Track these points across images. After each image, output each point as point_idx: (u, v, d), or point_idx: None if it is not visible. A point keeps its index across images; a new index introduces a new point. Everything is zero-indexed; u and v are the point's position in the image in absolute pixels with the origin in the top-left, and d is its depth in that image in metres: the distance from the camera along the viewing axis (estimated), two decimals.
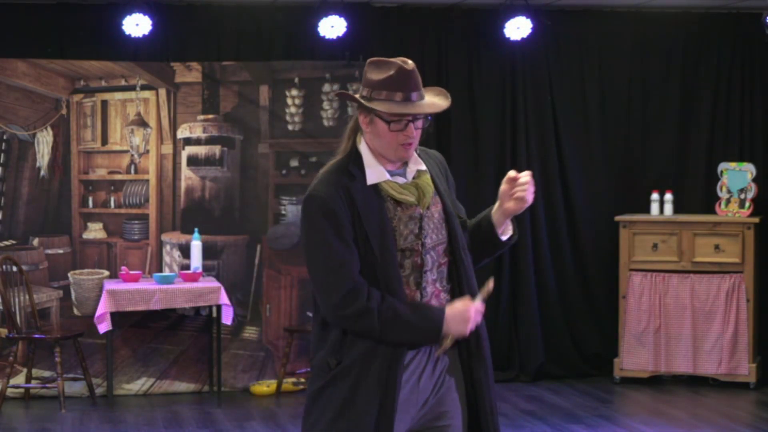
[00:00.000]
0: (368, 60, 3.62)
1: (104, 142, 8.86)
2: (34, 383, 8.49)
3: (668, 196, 9.09)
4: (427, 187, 3.63)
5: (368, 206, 3.53)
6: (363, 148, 3.61)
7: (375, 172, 3.58)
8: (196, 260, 8.61)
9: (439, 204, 3.67)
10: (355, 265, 3.51)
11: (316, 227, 3.52)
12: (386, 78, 3.54)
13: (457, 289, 3.68)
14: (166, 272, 8.74)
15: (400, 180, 3.61)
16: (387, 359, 3.51)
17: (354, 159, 3.60)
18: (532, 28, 8.89)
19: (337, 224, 3.49)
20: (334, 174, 3.57)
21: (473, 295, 3.65)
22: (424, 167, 3.67)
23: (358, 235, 3.51)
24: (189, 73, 8.91)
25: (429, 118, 3.62)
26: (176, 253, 8.89)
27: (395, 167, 3.62)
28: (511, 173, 3.66)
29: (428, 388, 3.62)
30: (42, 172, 8.72)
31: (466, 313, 3.55)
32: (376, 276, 3.53)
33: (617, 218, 9.04)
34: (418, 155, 3.69)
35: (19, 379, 8.49)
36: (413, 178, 3.63)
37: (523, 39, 8.96)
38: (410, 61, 3.59)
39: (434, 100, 3.62)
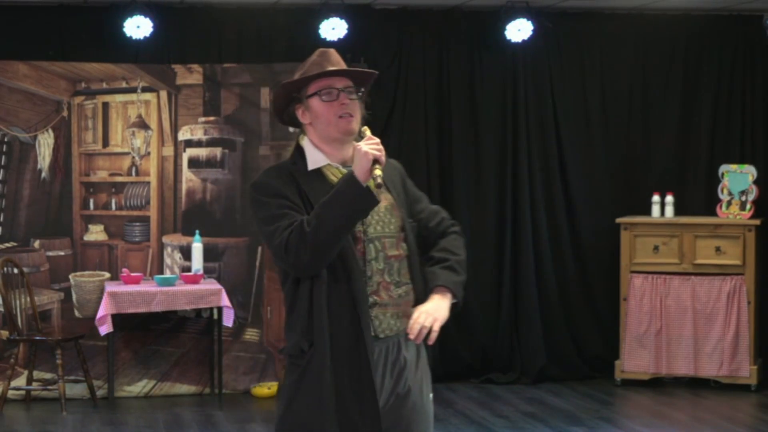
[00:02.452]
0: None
1: (105, 144, 8.87)
2: (35, 385, 8.49)
3: (669, 198, 9.09)
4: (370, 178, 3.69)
5: (313, 188, 3.62)
6: (305, 142, 3.71)
7: (316, 159, 3.68)
8: (197, 262, 8.62)
9: (388, 200, 3.71)
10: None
11: (264, 205, 3.60)
12: (310, 63, 3.70)
13: (412, 285, 3.71)
14: (167, 274, 8.74)
15: (343, 168, 3.69)
16: (354, 337, 3.54)
17: (297, 152, 3.72)
18: (533, 30, 8.90)
19: (282, 202, 3.58)
20: (278, 167, 3.73)
21: (419, 295, 3.70)
22: None
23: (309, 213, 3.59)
24: (190, 75, 8.92)
25: (361, 90, 3.70)
26: (177, 255, 8.89)
27: (339, 159, 3.69)
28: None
29: (385, 388, 3.64)
30: (43, 174, 8.73)
31: (359, 151, 3.53)
32: (333, 261, 3.56)
33: (618, 220, 9.04)
34: None
35: (20, 381, 8.49)
36: None
37: (524, 41, 8.97)
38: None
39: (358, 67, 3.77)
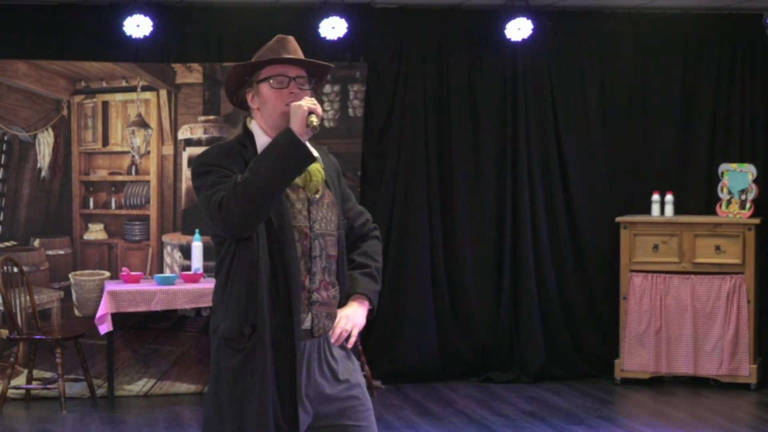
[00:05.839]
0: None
1: (105, 143, 8.87)
2: (35, 384, 8.49)
3: (669, 197, 9.10)
4: (316, 173, 3.68)
5: None
6: (254, 126, 3.68)
7: (265, 144, 3.61)
8: (197, 261, 8.62)
9: (329, 197, 3.71)
10: None
11: (207, 174, 3.56)
12: (267, 48, 3.70)
13: (339, 287, 3.74)
14: (167, 273, 8.74)
15: None
16: (285, 331, 3.53)
17: (245, 135, 3.67)
18: (532, 29, 8.90)
19: (226, 172, 3.53)
20: (224, 145, 3.66)
21: (343, 296, 3.75)
22: (316, 155, 3.70)
23: None
24: (190, 74, 8.92)
25: (313, 81, 3.67)
26: (177, 254, 8.89)
27: None
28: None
29: (324, 383, 3.65)
30: (43, 173, 8.73)
31: (294, 106, 3.51)
32: (273, 250, 3.54)
33: (618, 219, 9.05)
34: (314, 148, 3.73)
35: (20, 380, 8.49)
36: None
37: (523, 40, 8.97)
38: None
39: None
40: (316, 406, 3.64)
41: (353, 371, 3.74)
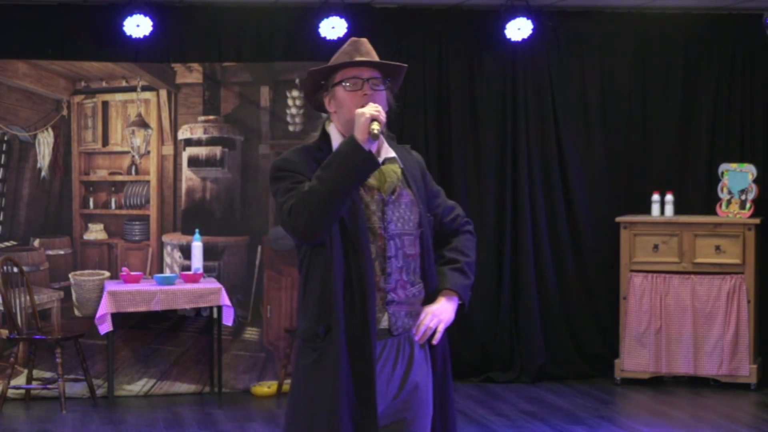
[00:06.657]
0: None
1: (105, 143, 8.87)
2: (34, 384, 8.49)
3: (669, 197, 9.10)
4: (391, 173, 3.69)
5: None
6: (332, 129, 3.71)
7: None
8: (197, 261, 8.62)
9: (409, 196, 3.71)
10: None
11: (282, 179, 3.61)
12: (341, 51, 3.74)
13: (425, 285, 3.74)
14: (167, 273, 8.74)
15: None
16: (362, 331, 3.55)
17: (322, 138, 3.72)
18: (533, 29, 8.90)
19: (300, 178, 3.57)
20: (302, 149, 3.71)
21: (429, 293, 3.74)
22: (393, 155, 3.73)
23: None
24: (190, 74, 8.92)
25: (387, 81, 3.71)
26: (177, 254, 8.89)
27: None
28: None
29: (395, 382, 3.67)
30: (43, 173, 8.73)
31: (357, 114, 3.54)
32: (347, 253, 3.57)
33: (618, 219, 9.05)
34: (394, 148, 3.75)
35: (20, 380, 8.49)
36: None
37: (524, 40, 8.97)
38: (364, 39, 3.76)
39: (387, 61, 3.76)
40: (384, 403, 3.66)
41: (425, 376, 3.73)
